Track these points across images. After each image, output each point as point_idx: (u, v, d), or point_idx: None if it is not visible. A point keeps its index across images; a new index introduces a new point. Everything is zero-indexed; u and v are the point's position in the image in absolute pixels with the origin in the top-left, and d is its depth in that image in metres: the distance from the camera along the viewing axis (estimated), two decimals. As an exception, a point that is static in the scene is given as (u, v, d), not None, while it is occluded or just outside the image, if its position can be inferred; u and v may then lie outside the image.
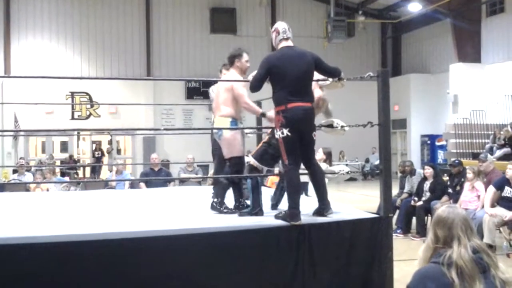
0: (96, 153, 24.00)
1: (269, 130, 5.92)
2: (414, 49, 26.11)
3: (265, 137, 6.03)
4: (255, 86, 5.18)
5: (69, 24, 23.68)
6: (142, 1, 24.37)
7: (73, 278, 4.33)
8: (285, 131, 5.01)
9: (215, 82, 6.79)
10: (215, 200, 5.95)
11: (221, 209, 5.84)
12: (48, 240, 4.37)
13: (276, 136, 5.14)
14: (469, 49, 20.78)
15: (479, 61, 20.94)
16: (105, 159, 23.98)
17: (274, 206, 6.06)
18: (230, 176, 5.79)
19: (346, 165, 23.82)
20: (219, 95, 5.79)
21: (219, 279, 4.64)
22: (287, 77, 5.02)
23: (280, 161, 5.50)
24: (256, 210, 5.51)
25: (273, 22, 25.42)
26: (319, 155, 8.75)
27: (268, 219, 5.27)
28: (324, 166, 8.30)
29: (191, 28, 24.74)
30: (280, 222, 5.04)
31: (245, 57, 5.82)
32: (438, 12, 21.59)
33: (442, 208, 2.89)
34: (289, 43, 5.25)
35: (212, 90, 6.93)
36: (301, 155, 5.25)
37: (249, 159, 5.84)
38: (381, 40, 27.47)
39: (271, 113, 5.50)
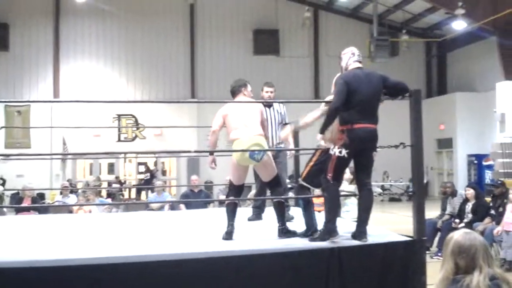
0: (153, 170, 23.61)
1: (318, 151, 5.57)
2: (459, 67, 25.67)
3: (310, 158, 5.62)
4: (341, 102, 5.07)
5: (115, 47, 24.30)
6: (186, 24, 24.80)
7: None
8: (344, 152, 5.07)
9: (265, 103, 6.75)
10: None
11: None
12: (84, 263, 4.47)
13: (331, 151, 5.13)
14: (515, 67, 20.30)
15: (527, 79, 20.42)
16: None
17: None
18: (277, 198, 5.66)
19: (390, 185, 23.58)
20: (251, 115, 5.62)
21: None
22: (357, 97, 5.09)
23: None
24: (312, 231, 5.41)
25: (316, 42, 25.60)
26: (346, 175, 8.57)
27: (298, 241, 5.26)
28: (352, 187, 8.19)
29: (235, 50, 24.97)
30: (310, 245, 5.03)
31: (249, 87, 6.03)
32: (484, 30, 21.23)
33: (459, 234, 2.78)
34: (360, 65, 5.39)
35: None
36: (357, 175, 5.33)
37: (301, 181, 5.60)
38: (425, 58, 27.16)
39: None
